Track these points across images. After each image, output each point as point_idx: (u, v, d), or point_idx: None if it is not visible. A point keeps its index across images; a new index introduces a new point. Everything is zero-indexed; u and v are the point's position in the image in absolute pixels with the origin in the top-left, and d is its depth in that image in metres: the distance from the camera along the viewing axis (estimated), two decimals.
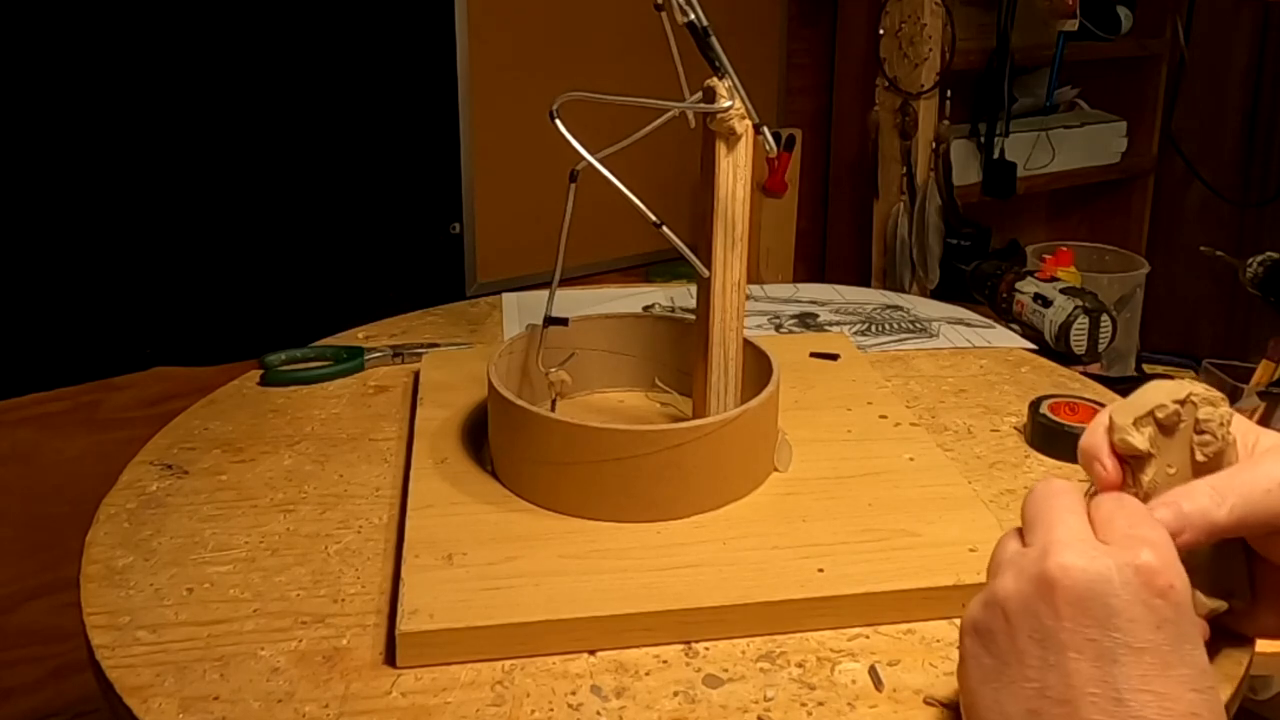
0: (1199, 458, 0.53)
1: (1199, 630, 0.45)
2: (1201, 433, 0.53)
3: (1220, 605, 0.53)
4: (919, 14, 2.00)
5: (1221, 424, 0.53)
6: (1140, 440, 0.52)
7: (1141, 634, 0.43)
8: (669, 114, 0.69)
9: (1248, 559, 0.54)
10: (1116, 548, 0.45)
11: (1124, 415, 0.52)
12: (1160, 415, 0.52)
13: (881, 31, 2.06)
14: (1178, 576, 0.44)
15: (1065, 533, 0.46)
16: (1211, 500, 0.49)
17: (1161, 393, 0.52)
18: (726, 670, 0.56)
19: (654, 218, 0.66)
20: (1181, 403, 0.52)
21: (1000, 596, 0.46)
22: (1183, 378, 0.55)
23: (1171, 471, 0.52)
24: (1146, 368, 1.89)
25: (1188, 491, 0.50)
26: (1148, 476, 0.52)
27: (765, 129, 0.67)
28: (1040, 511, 0.47)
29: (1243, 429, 0.54)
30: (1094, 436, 0.52)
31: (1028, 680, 0.44)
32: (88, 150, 1.55)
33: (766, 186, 2.14)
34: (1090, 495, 0.51)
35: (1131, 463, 0.52)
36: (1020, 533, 0.48)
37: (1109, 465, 0.52)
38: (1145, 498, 0.51)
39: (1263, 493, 0.50)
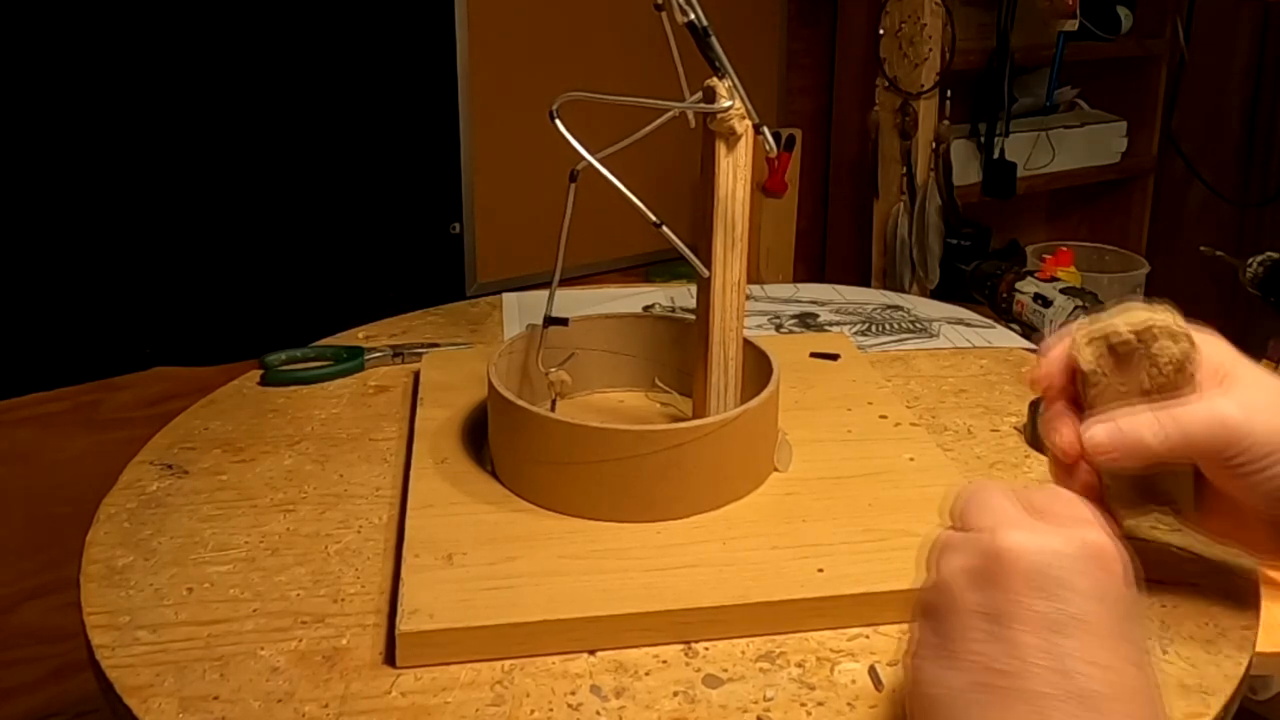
0: (1147, 386, 0.54)
1: (1141, 609, 0.45)
2: (1154, 365, 0.54)
3: (1152, 510, 0.55)
4: (919, 14, 2.00)
5: (1170, 362, 0.54)
6: (1087, 360, 0.55)
7: (1089, 607, 0.43)
8: (669, 114, 0.69)
9: (1194, 469, 0.56)
10: (1062, 527, 0.45)
11: (1084, 332, 0.55)
12: (1114, 340, 0.54)
13: (881, 31, 2.06)
14: (1122, 555, 0.45)
15: (1010, 515, 0.46)
16: (1150, 429, 0.53)
17: (1124, 319, 0.55)
18: (726, 670, 0.56)
19: (654, 218, 0.66)
20: (1139, 333, 0.54)
21: (948, 576, 0.46)
22: (1162, 305, 0.56)
23: (1123, 389, 0.54)
24: None
25: (1131, 414, 0.53)
26: (1093, 391, 0.55)
27: (765, 129, 0.67)
28: (978, 503, 0.48)
29: (1218, 358, 0.55)
30: (1056, 340, 0.56)
31: (974, 654, 0.44)
32: (88, 150, 1.55)
33: (766, 186, 2.14)
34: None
35: (1082, 374, 0.55)
36: (953, 530, 0.49)
37: (1051, 368, 0.56)
38: (1089, 408, 0.54)
39: (1201, 429, 0.52)
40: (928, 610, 0.47)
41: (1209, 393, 0.54)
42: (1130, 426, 0.53)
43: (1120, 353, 0.55)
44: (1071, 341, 0.55)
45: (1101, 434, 0.54)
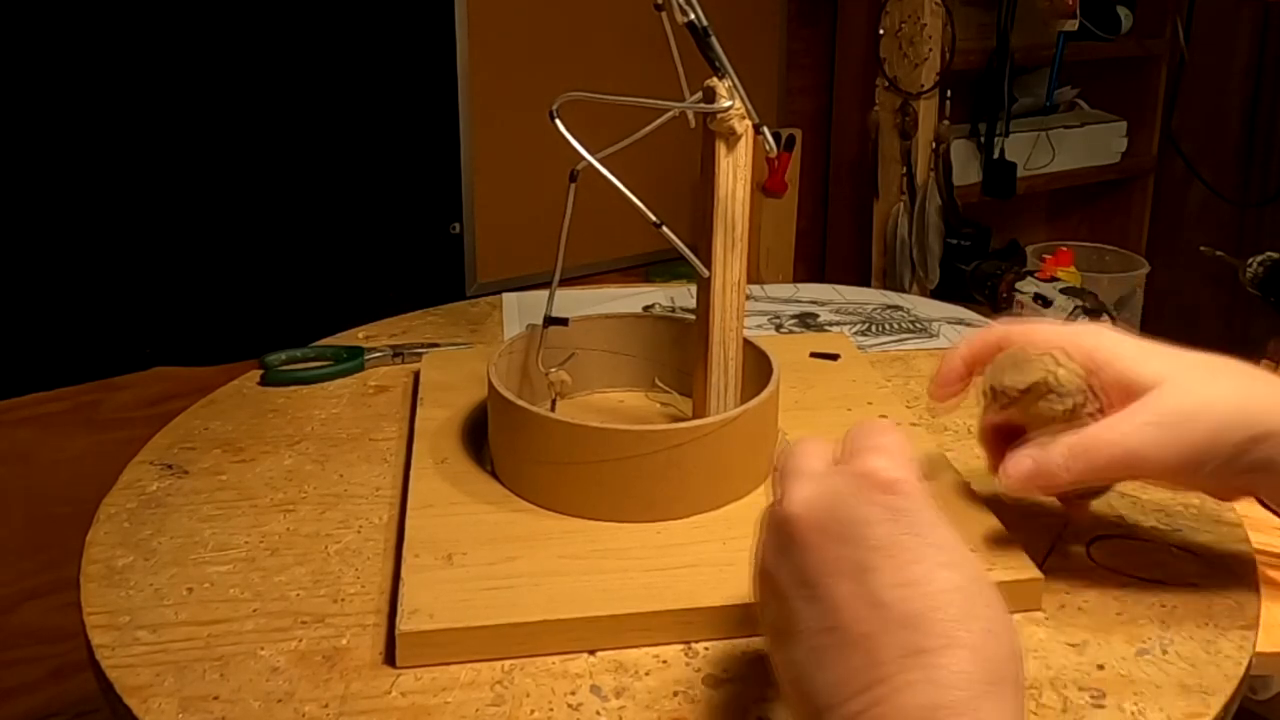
0: (1048, 422, 0.59)
1: (940, 515, 0.45)
2: (1043, 415, 0.59)
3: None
4: (919, 14, 2.00)
5: (1058, 415, 0.58)
6: (989, 406, 0.61)
7: (880, 533, 0.43)
8: (669, 114, 0.69)
9: None
10: (843, 465, 0.47)
11: (984, 380, 0.61)
12: (1001, 399, 0.59)
13: (881, 31, 2.06)
14: (904, 472, 0.45)
15: (795, 476, 0.47)
16: (1060, 465, 0.57)
17: (1013, 376, 0.59)
18: (726, 670, 0.56)
19: (654, 218, 0.66)
20: (1024, 391, 0.58)
21: (760, 565, 0.47)
22: (1062, 354, 0.59)
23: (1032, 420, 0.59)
24: None
25: (1044, 448, 0.57)
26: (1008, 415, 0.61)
27: (765, 129, 0.67)
28: (781, 473, 0.48)
29: (1128, 374, 0.57)
30: (952, 352, 0.63)
31: (802, 624, 0.44)
32: (88, 150, 1.55)
33: (766, 186, 2.14)
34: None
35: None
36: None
37: (947, 379, 0.63)
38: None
39: (1107, 461, 0.56)
40: (762, 604, 0.47)
41: (1116, 418, 0.56)
42: (1044, 463, 0.57)
43: (1013, 399, 0.59)
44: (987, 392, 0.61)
45: (1016, 472, 0.58)
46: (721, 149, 0.67)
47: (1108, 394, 0.57)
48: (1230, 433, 0.55)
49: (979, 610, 0.42)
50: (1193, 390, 0.56)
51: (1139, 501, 0.71)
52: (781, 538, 0.46)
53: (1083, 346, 0.58)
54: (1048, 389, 0.57)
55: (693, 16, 0.64)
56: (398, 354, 0.92)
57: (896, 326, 1.02)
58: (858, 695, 0.41)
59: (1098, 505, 0.71)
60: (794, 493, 0.46)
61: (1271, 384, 0.57)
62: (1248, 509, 0.70)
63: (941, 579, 0.42)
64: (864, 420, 0.50)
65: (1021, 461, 0.58)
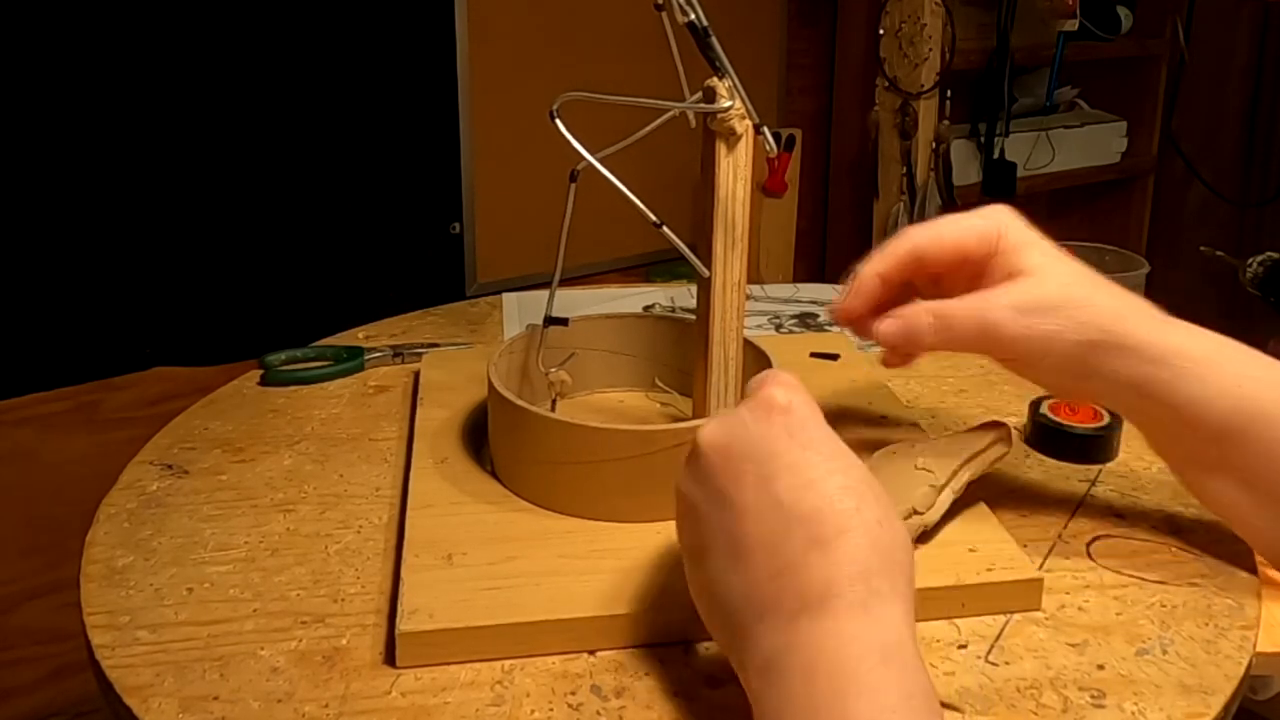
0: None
1: (829, 431, 0.51)
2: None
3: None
4: (919, 14, 2.00)
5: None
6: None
7: (778, 447, 0.49)
8: (669, 114, 0.69)
9: None
10: (746, 400, 0.52)
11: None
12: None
13: (881, 31, 2.06)
14: (798, 401, 0.51)
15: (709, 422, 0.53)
16: (926, 327, 0.62)
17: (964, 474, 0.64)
18: (726, 670, 0.56)
19: (654, 218, 0.66)
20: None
21: (677, 492, 0.52)
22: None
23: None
24: None
25: (913, 312, 0.62)
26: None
27: (765, 129, 0.67)
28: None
29: (1014, 256, 0.61)
30: (863, 268, 0.65)
31: (714, 538, 0.49)
32: (88, 150, 1.55)
33: (766, 186, 2.14)
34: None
35: None
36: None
37: (854, 302, 0.65)
38: None
39: (963, 331, 0.61)
40: (678, 525, 0.53)
41: (982, 295, 0.61)
42: (912, 324, 0.62)
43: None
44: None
45: (888, 330, 0.63)
46: (722, 149, 0.67)
47: (995, 271, 0.62)
48: (1073, 332, 0.59)
49: (869, 504, 0.48)
50: (1054, 286, 0.60)
51: (1139, 501, 0.71)
52: (693, 464, 0.51)
53: (991, 230, 0.62)
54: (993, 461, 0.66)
55: (693, 16, 0.64)
56: (398, 354, 0.92)
57: None
58: (763, 585, 0.47)
59: (1098, 505, 0.71)
60: (704, 428, 0.51)
61: (1132, 303, 0.61)
62: None
63: (834, 480, 0.48)
64: (769, 372, 0.56)
65: (892, 322, 0.63)
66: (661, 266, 2.01)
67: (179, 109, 1.60)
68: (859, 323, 0.66)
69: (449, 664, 0.56)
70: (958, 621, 0.59)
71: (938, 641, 0.58)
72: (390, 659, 0.56)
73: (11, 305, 1.53)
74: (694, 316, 0.73)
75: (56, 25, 1.49)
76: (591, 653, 0.57)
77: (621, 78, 1.87)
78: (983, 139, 2.15)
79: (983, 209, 0.64)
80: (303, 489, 0.73)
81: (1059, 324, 0.60)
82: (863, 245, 2.28)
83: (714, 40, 0.65)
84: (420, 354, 0.91)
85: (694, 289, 0.73)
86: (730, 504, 0.49)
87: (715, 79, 0.66)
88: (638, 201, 0.65)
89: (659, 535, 0.64)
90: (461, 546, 0.62)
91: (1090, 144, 2.31)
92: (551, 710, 0.53)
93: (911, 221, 2.07)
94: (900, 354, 0.69)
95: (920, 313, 0.62)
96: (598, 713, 0.53)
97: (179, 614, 0.60)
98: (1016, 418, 0.83)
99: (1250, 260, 1.68)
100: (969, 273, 0.63)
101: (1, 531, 1.59)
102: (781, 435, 0.49)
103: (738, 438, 0.50)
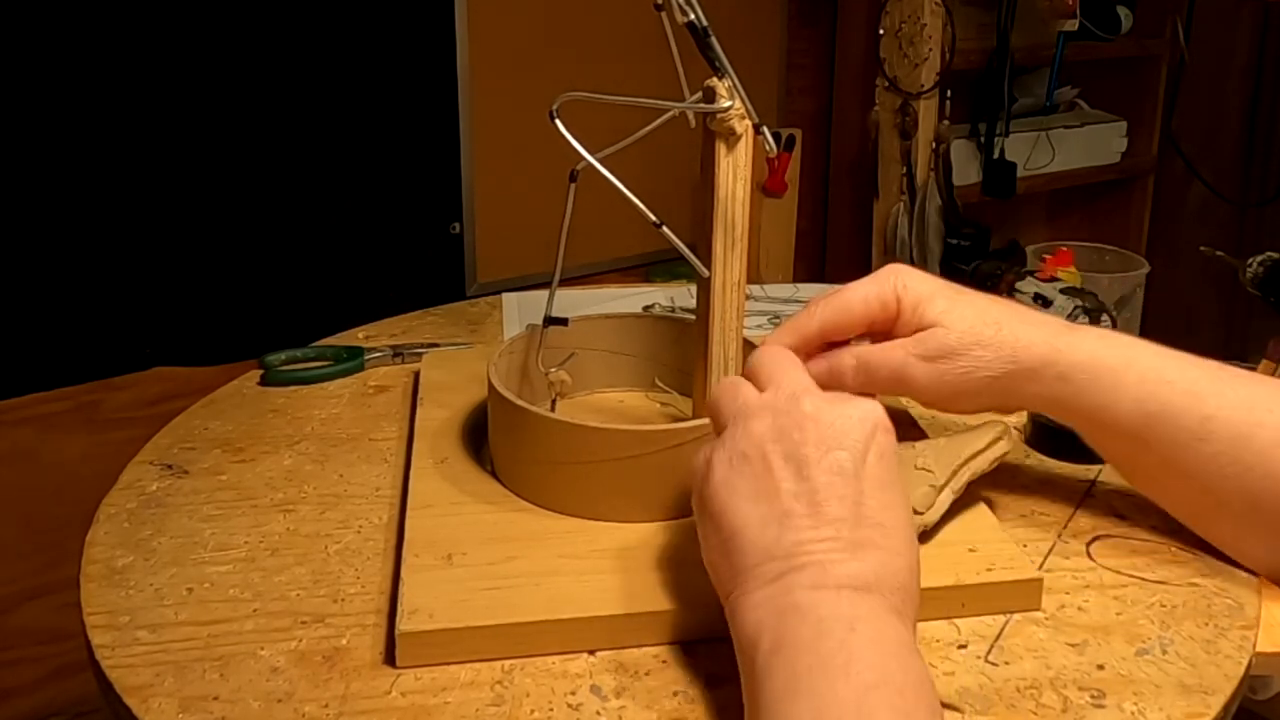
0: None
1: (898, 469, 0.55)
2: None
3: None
4: (919, 14, 2.00)
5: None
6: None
7: (872, 463, 0.53)
8: (669, 114, 0.69)
9: None
10: (850, 400, 0.55)
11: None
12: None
13: (881, 31, 2.06)
14: (885, 421, 0.55)
15: (805, 383, 0.56)
16: (849, 371, 0.66)
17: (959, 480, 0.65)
18: (727, 670, 0.56)
19: (654, 218, 0.66)
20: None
21: (758, 432, 0.54)
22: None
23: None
24: None
25: (839, 358, 0.66)
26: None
27: (765, 129, 0.67)
28: (772, 370, 0.57)
29: (920, 307, 0.65)
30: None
31: (780, 491, 0.52)
32: (88, 150, 1.55)
33: (766, 186, 2.14)
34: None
35: None
36: (746, 389, 0.57)
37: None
38: None
39: (881, 379, 0.65)
40: (735, 460, 0.54)
41: (905, 341, 0.65)
42: (836, 367, 0.66)
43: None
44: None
45: (814, 369, 0.65)
46: (721, 149, 0.67)
47: (905, 329, 0.66)
48: (984, 369, 0.63)
49: (907, 538, 0.52)
50: (958, 333, 0.64)
51: (1139, 501, 0.71)
52: (796, 424, 0.53)
53: (889, 293, 0.66)
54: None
55: (693, 16, 0.64)
56: (398, 354, 0.92)
57: None
58: (781, 558, 0.50)
59: (1098, 505, 0.71)
60: (811, 400, 0.54)
61: (1039, 327, 0.64)
62: None
63: (900, 510, 0.53)
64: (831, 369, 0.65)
65: (819, 362, 0.66)
66: (661, 266, 2.01)
67: (179, 109, 1.60)
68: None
69: (449, 664, 0.56)
70: (958, 621, 0.59)
71: (938, 641, 0.58)
72: (390, 659, 0.56)
73: (11, 305, 1.53)
74: (694, 316, 0.73)
75: (57, 25, 1.49)
76: (591, 653, 0.57)
77: (621, 78, 1.87)
78: (983, 139, 2.15)
79: (878, 271, 0.68)
80: (303, 489, 0.73)
81: (969, 365, 0.64)
82: (863, 245, 2.29)
83: (714, 40, 0.65)
84: (420, 354, 0.91)
85: (694, 289, 0.73)
86: (806, 473, 0.52)
87: (715, 79, 0.66)
88: (638, 201, 0.65)
89: (659, 535, 0.64)
90: (461, 546, 0.62)
91: (1090, 144, 2.31)
92: (551, 710, 0.53)
93: (911, 222, 2.07)
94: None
95: (845, 357, 0.66)
96: (597, 713, 0.53)
97: (179, 614, 0.60)
98: (1016, 418, 0.83)
99: (1250, 260, 1.68)
100: (880, 334, 0.67)
101: (1, 531, 1.59)
102: (875, 452, 0.53)
103: (839, 434, 0.53)
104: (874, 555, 0.50)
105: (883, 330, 0.67)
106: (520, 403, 0.67)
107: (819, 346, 0.67)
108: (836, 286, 0.67)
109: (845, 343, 0.68)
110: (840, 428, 0.53)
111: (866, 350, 0.66)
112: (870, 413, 0.54)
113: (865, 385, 0.65)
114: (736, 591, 0.51)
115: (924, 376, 0.64)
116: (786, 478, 0.52)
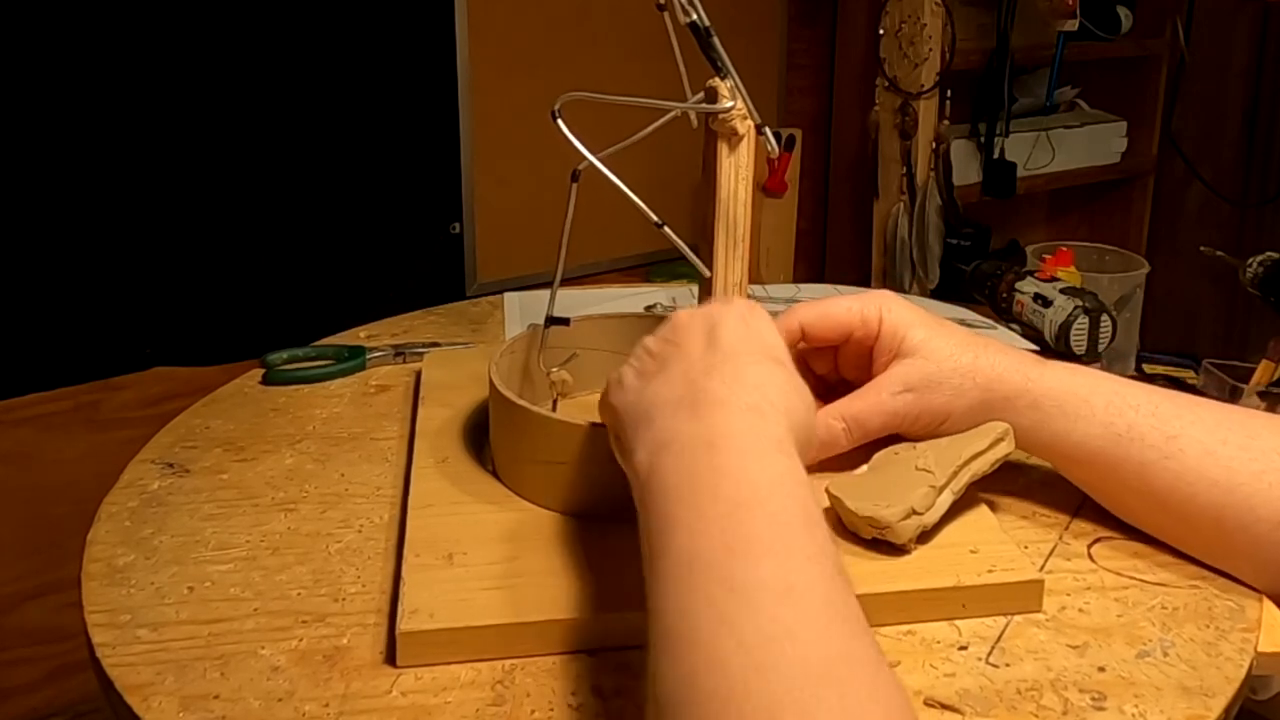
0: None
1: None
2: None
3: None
4: (919, 14, 2.00)
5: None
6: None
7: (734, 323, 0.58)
8: (671, 114, 0.69)
9: None
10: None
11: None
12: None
13: (881, 31, 2.06)
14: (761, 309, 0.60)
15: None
16: (842, 433, 0.68)
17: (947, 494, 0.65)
18: None
19: (655, 218, 0.66)
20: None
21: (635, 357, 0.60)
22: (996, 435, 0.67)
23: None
24: (1146, 368, 1.89)
25: (827, 420, 0.67)
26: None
27: (766, 129, 0.67)
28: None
29: (895, 334, 0.67)
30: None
31: (653, 370, 0.57)
32: (88, 150, 1.55)
33: (767, 186, 2.14)
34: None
35: None
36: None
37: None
38: None
39: (879, 424, 0.68)
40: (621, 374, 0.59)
41: (881, 380, 0.68)
42: (828, 435, 0.68)
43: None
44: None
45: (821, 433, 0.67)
46: (723, 149, 0.67)
47: (882, 351, 0.69)
48: (962, 398, 0.66)
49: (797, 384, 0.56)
50: (937, 361, 0.67)
51: None
52: (668, 335, 0.59)
53: (872, 313, 0.69)
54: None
55: (695, 17, 0.64)
56: (399, 353, 0.92)
57: None
58: (679, 386, 0.54)
59: (1099, 508, 0.71)
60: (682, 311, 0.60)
61: (1010, 360, 0.67)
62: None
63: (761, 374, 0.55)
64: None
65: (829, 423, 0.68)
66: (662, 266, 2.02)
67: (179, 109, 1.60)
68: None
69: (449, 664, 0.56)
70: (958, 623, 0.59)
71: (938, 643, 0.58)
72: (391, 658, 0.56)
73: (11, 305, 1.53)
74: None
75: (57, 26, 1.49)
76: (591, 653, 0.57)
77: (623, 78, 1.88)
78: (983, 139, 2.15)
79: (867, 293, 0.71)
80: (304, 488, 0.73)
81: (949, 394, 0.67)
82: (863, 245, 2.29)
83: (716, 40, 0.65)
84: (421, 353, 0.91)
85: (695, 289, 0.73)
86: (678, 349, 0.57)
87: (717, 79, 0.66)
88: (639, 201, 0.65)
89: None
90: (462, 546, 0.62)
91: (1090, 144, 2.31)
92: (551, 710, 0.53)
93: (911, 222, 2.07)
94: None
95: (832, 422, 0.68)
96: (597, 713, 0.53)
97: (180, 613, 0.60)
98: None
99: (1250, 260, 1.68)
100: (855, 349, 0.70)
101: (1, 531, 1.59)
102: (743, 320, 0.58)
103: (710, 322, 0.58)
104: (720, 387, 0.53)
105: (858, 346, 0.70)
106: (521, 402, 0.67)
107: (796, 345, 0.70)
108: (839, 287, 0.67)
109: (831, 350, 0.71)
110: (706, 319, 0.58)
111: (848, 405, 0.68)
112: (734, 307, 0.59)
113: (861, 439, 0.68)
114: (623, 461, 0.55)
115: (910, 408, 0.67)
116: (656, 349, 0.58)
